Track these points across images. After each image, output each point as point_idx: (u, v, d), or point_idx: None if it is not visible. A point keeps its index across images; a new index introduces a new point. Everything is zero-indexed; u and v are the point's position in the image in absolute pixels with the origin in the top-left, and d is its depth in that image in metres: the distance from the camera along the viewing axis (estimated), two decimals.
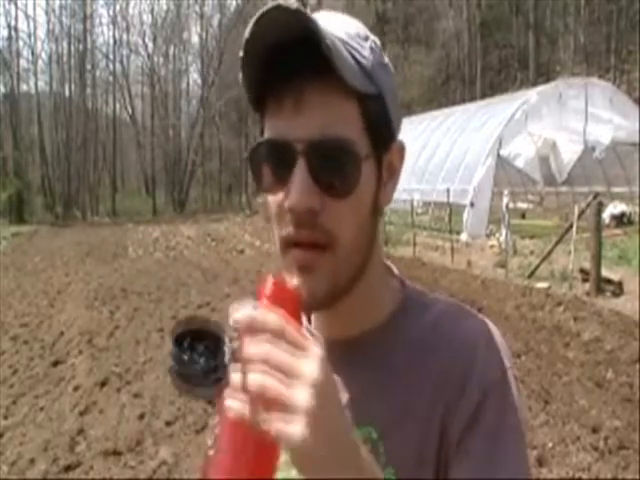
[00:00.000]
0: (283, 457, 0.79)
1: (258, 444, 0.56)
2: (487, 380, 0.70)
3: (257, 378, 0.53)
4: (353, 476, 0.56)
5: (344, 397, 0.73)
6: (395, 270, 0.83)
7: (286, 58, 0.65)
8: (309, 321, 0.84)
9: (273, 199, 0.70)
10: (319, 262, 0.68)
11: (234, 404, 0.54)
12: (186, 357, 0.58)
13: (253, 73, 0.67)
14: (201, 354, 0.57)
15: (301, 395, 0.52)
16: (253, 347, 0.54)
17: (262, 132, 0.72)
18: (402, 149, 0.76)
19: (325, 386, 0.54)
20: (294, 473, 0.76)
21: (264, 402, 0.53)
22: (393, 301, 0.79)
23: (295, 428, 0.52)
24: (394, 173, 0.76)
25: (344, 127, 0.67)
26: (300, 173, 0.65)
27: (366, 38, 0.73)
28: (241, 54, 0.66)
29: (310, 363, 0.54)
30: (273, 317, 0.55)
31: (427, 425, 0.70)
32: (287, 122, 0.67)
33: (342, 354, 0.73)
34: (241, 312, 0.55)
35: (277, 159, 0.68)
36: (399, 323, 0.76)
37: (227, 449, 0.58)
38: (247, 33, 0.64)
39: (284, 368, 0.53)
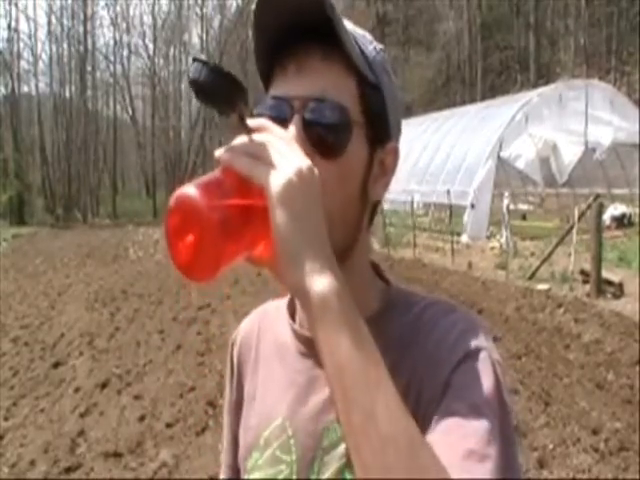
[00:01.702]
0: (258, 458, 0.79)
1: (240, 187, 0.59)
2: (457, 354, 0.68)
3: (258, 144, 0.61)
4: (316, 243, 0.60)
5: (324, 393, 0.75)
6: (382, 269, 0.83)
7: (292, 29, 0.69)
8: (293, 319, 0.85)
9: None
10: None
11: (226, 155, 0.61)
12: (211, 66, 0.60)
13: (261, 40, 0.71)
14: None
15: (291, 162, 0.59)
16: (260, 135, 0.62)
17: None
18: (397, 152, 0.78)
19: (312, 172, 0.61)
20: (272, 472, 0.77)
21: (258, 159, 0.59)
22: (378, 300, 0.79)
23: (278, 178, 0.58)
24: (386, 172, 0.77)
25: (341, 96, 0.70)
26: (294, 127, 0.68)
27: (371, 42, 0.76)
28: (253, 8, 0.69)
29: (306, 159, 0.61)
30: (281, 130, 0.65)
31: (405, 395, 0.67)
32: (289, 82, 0.71)
33: None
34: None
35: (276, 116, 0.70)
36: (382, 322, 0.75)
37: (207, 180, 0.60)
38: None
39: (282, 151, 0.60)
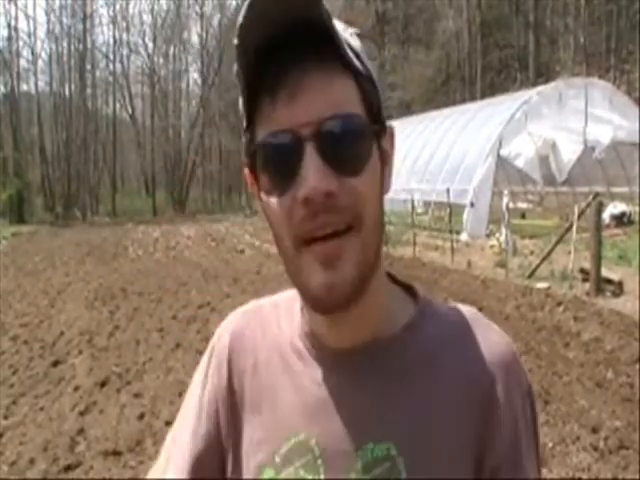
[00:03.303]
0: (273, 476, 0.76)
1: None
2: (515, 408, 0.70)
3: None
4: None
5: (353, 409, 0.71)
6: (399, 278, 0.80)
7: (279, 45, 0.63)
8: (312, 334, 0.77)
9: (278, 201, 0.65)
10: (344, 247, 0.64)
11: None
12: None
13: (246, 58, 0.63)
14: None
15: None
16: None
17: (251, 141, 0.68)
18: (392, 135, 0.74)
19: None
20: (283, 473, 0.74)
21: None
22: (405, 311, 0.76)
23: None
24: (388, 159, 0.73)
25: (350, 104, 0.65)
26: (311, 158, 0.62)
27: (345, 29, 0.70)
28: (235, 41, 0.62)
29: None
30: None
31: (458, 455, 0.68)
32: (285, 111, 0.63)
33: (351, 363, 0.72)
34: None
35: (280, 153, 0.63)
36: (412, 334, 0.73)
37: None
38: (241, 15, 0.60)
39: None
